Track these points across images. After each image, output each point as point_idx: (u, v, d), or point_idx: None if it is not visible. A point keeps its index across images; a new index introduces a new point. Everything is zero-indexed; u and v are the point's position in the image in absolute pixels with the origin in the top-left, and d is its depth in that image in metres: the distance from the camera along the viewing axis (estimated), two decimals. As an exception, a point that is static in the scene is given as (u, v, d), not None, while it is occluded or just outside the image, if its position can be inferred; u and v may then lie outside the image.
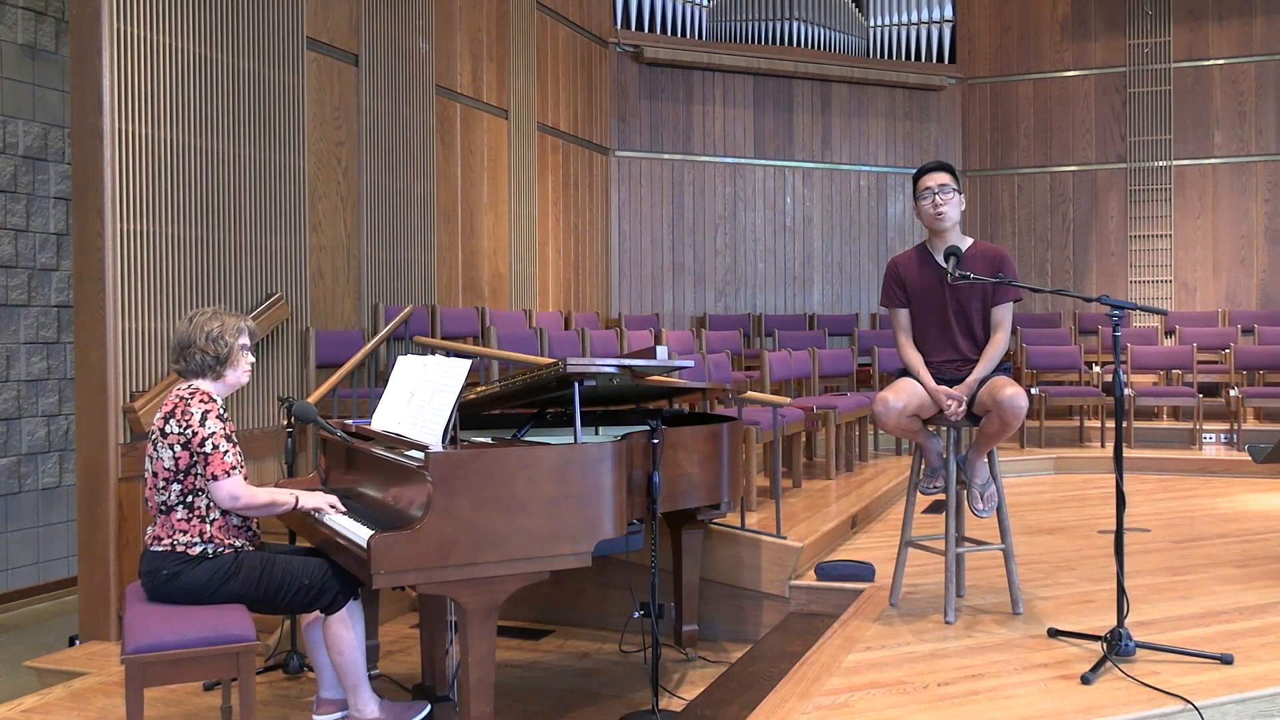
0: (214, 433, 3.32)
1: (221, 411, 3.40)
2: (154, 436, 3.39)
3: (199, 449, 3.31)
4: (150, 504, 3.43)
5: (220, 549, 3.36)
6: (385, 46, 7.26)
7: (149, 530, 3.43)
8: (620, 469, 3.43)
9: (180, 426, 3.32)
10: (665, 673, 4.21)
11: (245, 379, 3.57)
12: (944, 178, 4.15)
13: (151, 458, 3.40)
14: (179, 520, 3.34)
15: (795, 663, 3.74)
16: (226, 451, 3.33)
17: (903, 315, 4.29)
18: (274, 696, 4.09)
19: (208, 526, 3.35)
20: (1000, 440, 4.12)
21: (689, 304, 11.28)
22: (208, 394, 3.41)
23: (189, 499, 3.34)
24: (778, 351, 7.73)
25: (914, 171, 4.28)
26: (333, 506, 3.54)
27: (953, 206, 4.15)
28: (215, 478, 3.31)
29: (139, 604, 3.36)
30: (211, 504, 3.36)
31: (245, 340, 3.54)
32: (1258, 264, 11.26)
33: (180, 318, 5.32)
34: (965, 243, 4.21)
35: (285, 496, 3.48)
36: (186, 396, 3.38)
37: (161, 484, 3.36)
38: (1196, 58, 11.44)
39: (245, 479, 3.44)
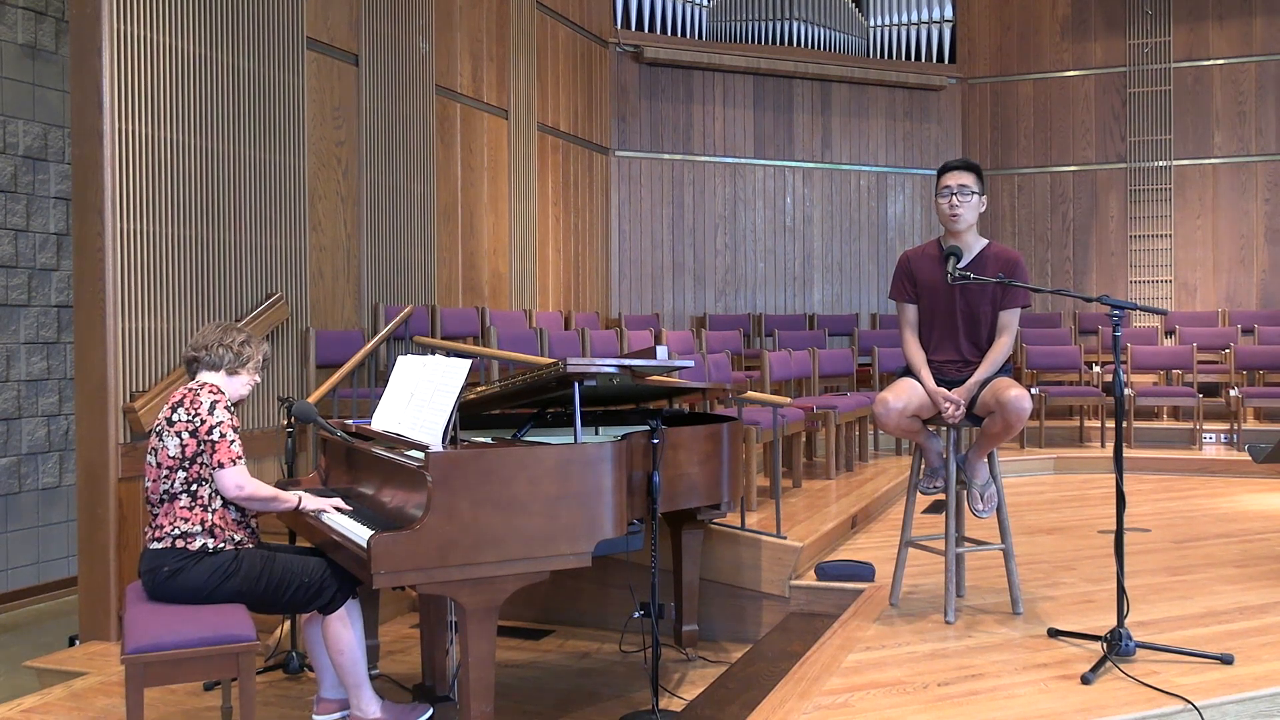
0: (222, 421, 3.38)
1: (229, 404, 3.47)
2: (158, 429, 3.44)
3: (207, 437, 3.36)
4: (151, 497, 3.45)
5: (220, 544, 3.38)
6: (385, 46, 7.26)
7: (147, 529, 3.44)
8: (620, 469, 3.43)
9: (189, 415, 3.38)
10: (665, 673, 4.21)
11: (246, 392, 3.66)
12: (965, 178, 4.11)
13: (155, 450, 3.43)
14: (182, 508, 3.36)
15: (795, 663, 3.74)
16: (233, 441, 3.38)
17: (910, 310, 4.27)
18: (274, 696, 4.09)
19: (209, 516, 3.38)
20: (1002, 441, 4.12)
21: (689, 304, 11.28)
22: (216, 387, 3.49)
23: (193, 487, 3.37)
24: (778, 351, 7.73)
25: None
26: (335, 508, 3.56)
27: (969, 209, 4.11)
28: (221, 465, 3.35)
29: (139, 604, 3.37)
30: (214, 494, 3.39)
31: (260, 358, 3.67)
32: (1258, 264, 11.27)
33: (180, 318, 5.36)
34: (980, 244, 4.19)
35: (289, 495, 3.52)
36: (196, 388, 3.46)
37: (165, 473, 3.39)
38: (1196, 58, 11.44)
39: None
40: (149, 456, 3.46)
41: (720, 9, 11.23)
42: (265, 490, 3.44)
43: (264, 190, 6.05)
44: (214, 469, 3.36)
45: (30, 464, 7.38)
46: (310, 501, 3.56)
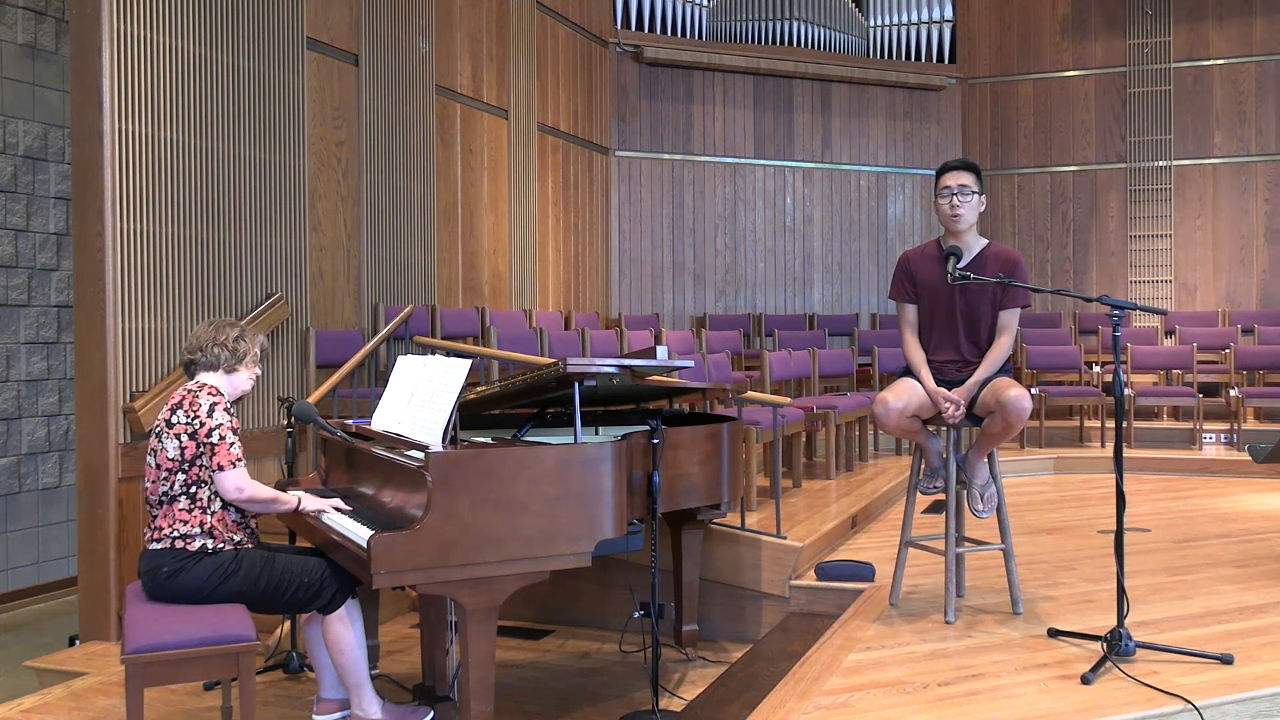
0: (221, 424, 3.36)
1: (228, 406, 3.45)
2: (158, 430, 3.42)
3: (206, 439, 3.34)
4: (150, 498, 3.44)
5: (220, 544, 3.37)
6: (385, 46, 7.26)
7: (146, 530, 3.44)
8: (620, 469, 3.43)
9: (188, 417, 3.36)
10: (665, 673, 4.21)
11: (248, 387, 3.64)
12: (965, 178, 4.11)
13: (154, 451, 3.42)
14: (181, 510, 3.35)
15: (795, 663, 3.74)
16: (233, 443, 3.37)
17: (910, 310, 4.27)
18: (274, 696, 4.09)
19: (208, 518, 3.37)
20: (1003, 441, 4.12)
21: (689, 304, 11.28)
22: (215, 388, 3.47)
23: (192, 490, 3.36)
24: (778, 351, 7.73)
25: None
26: (335, 508, 3.56)
27: (970, 209, 4.11)
28: (221, 468, 3.34)
29: (139, 604, 3.36)
30: (213, 496, 3.38)
31: (258, 351, 3.64)
32: (1258, 264, 11.27)
33: (180, 317, 5.36)
34: (980, 244, 4.19)
35: (288, 497, 3.52)
36: (195, 390, 3.43)
37: (164, 475, 3.38)
38: (1196, 58, 11.44)
39: None
40: (148, 458, 3.45)
41: (720, 9, 11.23)
42: (265, 492, 3.44)
43: (264, 190, 6.05)
44: (214, 471, 3.35)
45: (30, 464, 7.38)
46: (310, 502, 3.55)
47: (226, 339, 3.54)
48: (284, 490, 3.89)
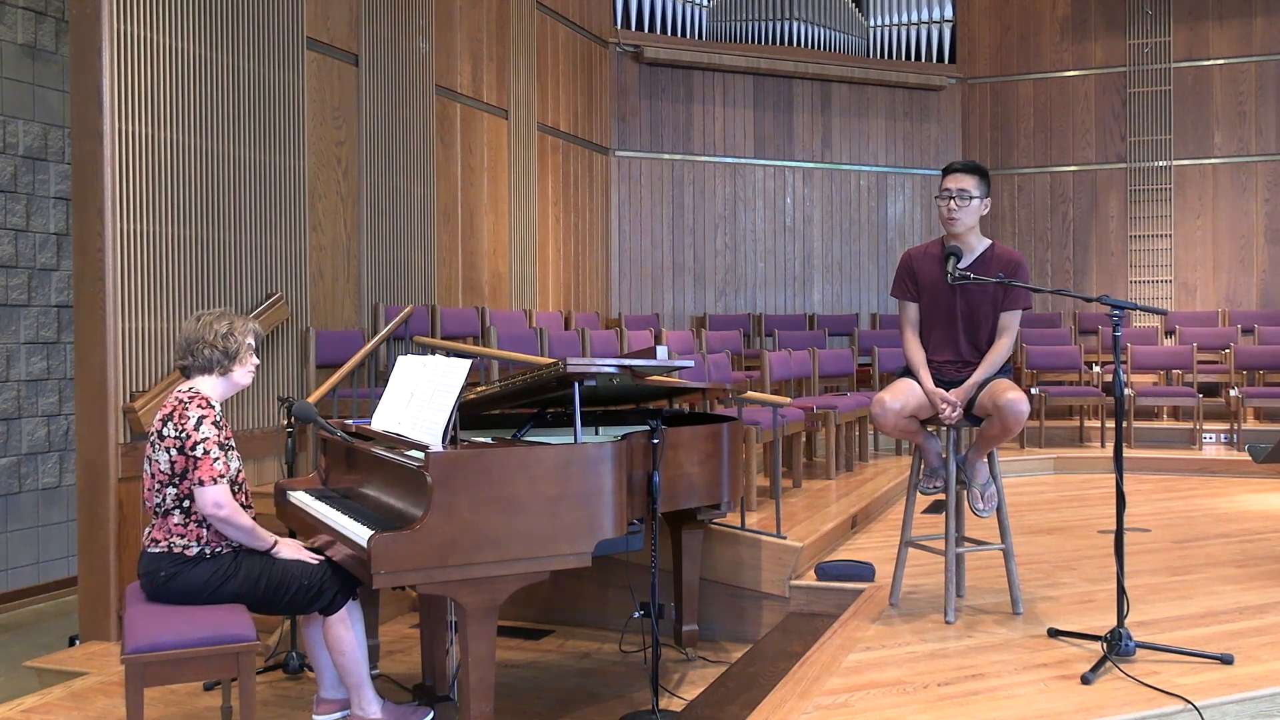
0: (207, 438, 3.31)
1: (218, 418, 3.39)
2: (152, 438, 3.39)
3: (190, 452, 3.30)
4: (148, 505, 3.43)
5: (218, 549, 3.36)
6: (385, 46, 7.26)
7: (146, 532, 3.43)
8: (620, 469, 3.43)
9: (176, 430, 3.31)
10: (665, 673, 4.21)
11: (248, 380, 3.57)
12: (966, 181, 4.08)
13: (149, 459, 3.40)
14: (175, 524, 3.34)
15: (795, 663, 3.74)
16: (216, 459, 3.30)
17: (911, 309, 4.26)
18: (274, 696, 4.09)
19: (204, 531, 3.35)
20: (1001, 443, 4.12)
21: (689, 304, 11.28)
22: (206, 399, 3.40)
23: (185, 503, 3.34)
24: (778, 351, 7.73)
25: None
26: (313, 547, 3.51)
27: (967, 213, 4.08)
28: (202, 482, 3.28)
29: (139, 604, 3.36)
30: None
31: (252, 340, 3.55)
32: (1258, 264, 11.26)
33: (180, 318, 5.36)
34: (983, 244, 4.18)
35: (266, 536, 3.42)
36: (185, 400, 3.37)
37: (158, 486, 3.36)
38: (1196, 58, 11.44)
39: (244, 486, 3.45)
40: (145, 464, 3.43)
41: (720, 9, 11.23)
42: (244, 520, 3.36)
43: (264, 190, 6.05)
44: (194, 485, 3.29)
45: (30, 464, 7.38)
46: (286, 550, 3.45)
47: (215, 337, 3.43)
48: (284, 491, 3.89)
